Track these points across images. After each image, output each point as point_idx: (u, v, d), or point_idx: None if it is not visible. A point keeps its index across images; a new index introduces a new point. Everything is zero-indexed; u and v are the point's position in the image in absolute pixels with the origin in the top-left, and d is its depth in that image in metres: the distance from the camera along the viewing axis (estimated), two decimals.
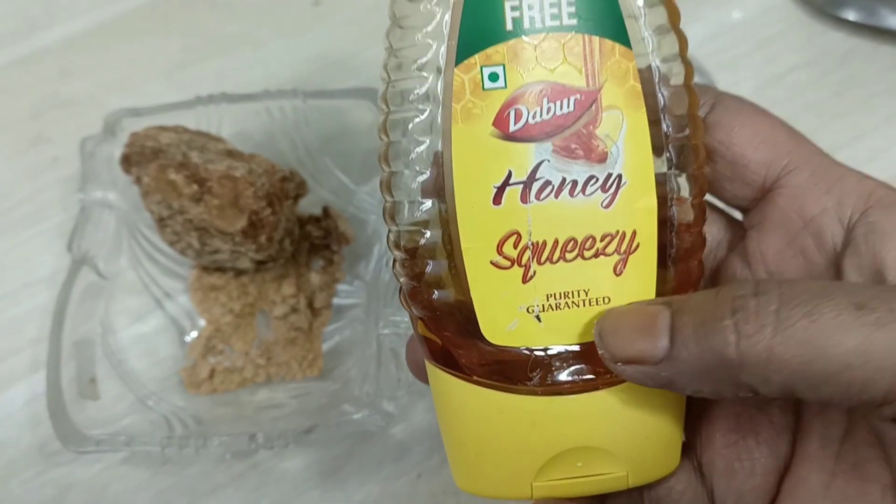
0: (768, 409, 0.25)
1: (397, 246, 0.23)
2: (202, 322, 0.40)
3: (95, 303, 0.37)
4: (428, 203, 0.22)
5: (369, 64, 0.49)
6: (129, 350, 0.38)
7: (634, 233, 0.22)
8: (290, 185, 0.37)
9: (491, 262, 0.22)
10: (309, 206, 0.42)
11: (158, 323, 0.40)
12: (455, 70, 0.21)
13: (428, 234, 0.22)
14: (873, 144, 0.45)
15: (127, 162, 0.36)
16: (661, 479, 0.25)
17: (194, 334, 0.40)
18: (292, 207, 0.38)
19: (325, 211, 0.41)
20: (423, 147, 0.22)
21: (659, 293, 0.23)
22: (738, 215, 0.27)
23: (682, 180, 0.23)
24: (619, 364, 0.21)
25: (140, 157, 0.36)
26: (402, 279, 0.23)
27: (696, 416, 0.25)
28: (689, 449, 0.25)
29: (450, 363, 0.23)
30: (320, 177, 0.41)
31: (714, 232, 0.26)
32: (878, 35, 0.48)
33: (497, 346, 0.23)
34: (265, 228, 0.36)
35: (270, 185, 0.36)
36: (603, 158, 0.22)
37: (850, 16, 0.49)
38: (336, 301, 0.40)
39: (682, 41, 0.23)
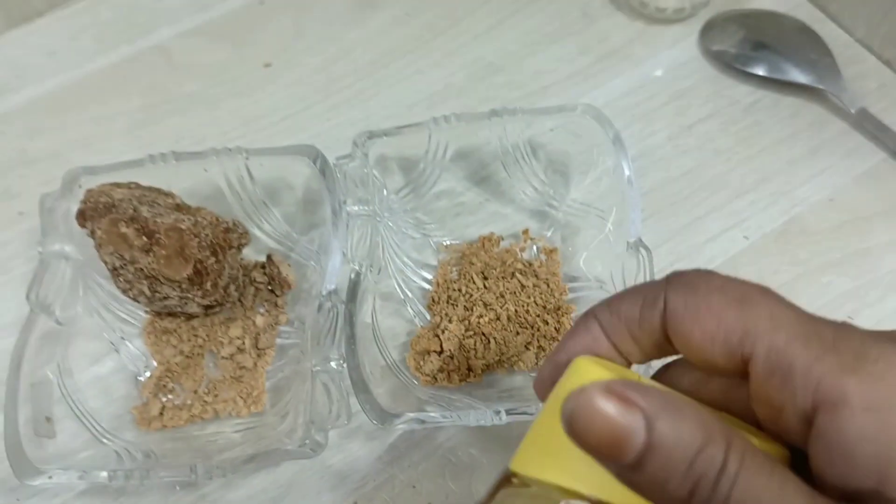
0: None
1: None
2: (155, 363, 0.42)
3: (53, 347, 0.39)
4: None
5: (315, 119, 0.53)
6: (86, 391, 0.40)
7: None
8: (233, 236, 0.40)
9: None
10: (255, 253, 0.45)
11: (114, 365, 0.42)
12: None
13: None
14: (776, 188, 0.49)
15: (82, 216, 0.39)
16: None
17: (147, 374, 0.42)
18: (235, 256, 0.41)
19: (269, 258, 0.44)
20: None
21: None
22: None
23: None
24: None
25: (94, 211, 0.39)
26: None
27: None
28: None
29: None
30: (265, 227, 0.44)
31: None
32: (781, 87, 0.52)
33: None
34: (209, 275, 0.39)
35: (214, 236, 0.39)
36: None
37: (759, 70, 0.53)
38: (279, 341, 0.43)
39: None
